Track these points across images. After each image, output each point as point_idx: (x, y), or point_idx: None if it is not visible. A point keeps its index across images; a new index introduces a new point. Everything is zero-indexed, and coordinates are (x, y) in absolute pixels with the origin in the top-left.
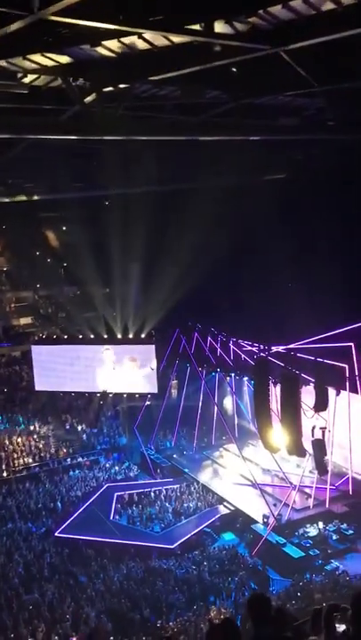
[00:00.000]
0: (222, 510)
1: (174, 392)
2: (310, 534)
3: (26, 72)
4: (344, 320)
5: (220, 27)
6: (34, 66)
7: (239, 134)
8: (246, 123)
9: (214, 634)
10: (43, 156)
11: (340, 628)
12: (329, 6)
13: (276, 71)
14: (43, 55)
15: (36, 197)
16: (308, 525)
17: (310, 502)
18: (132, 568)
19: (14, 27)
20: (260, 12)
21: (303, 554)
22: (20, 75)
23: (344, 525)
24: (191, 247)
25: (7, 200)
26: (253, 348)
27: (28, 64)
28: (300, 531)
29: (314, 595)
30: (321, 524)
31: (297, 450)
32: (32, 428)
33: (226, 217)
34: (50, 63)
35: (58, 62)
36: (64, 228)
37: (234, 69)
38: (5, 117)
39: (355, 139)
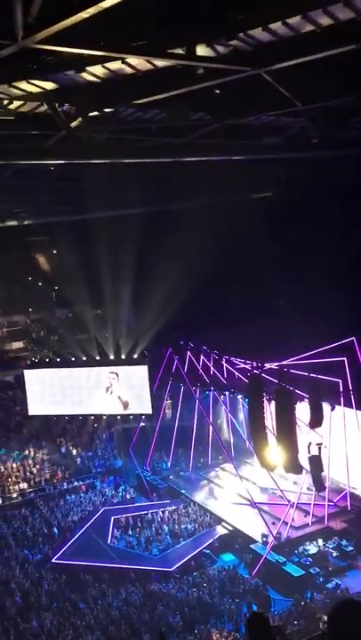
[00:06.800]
0: (221, 531)
1: (169, 412)
2: (310, 552)
3: (11, 99)
4: (336, 335)
5: (202, 50)
6: (19, 92)
7: (224, 154)
8: (231, 143)
9: None
10: (31, 181)
11: None
12: (308, 28)
13: (259, 92)
14: (28, 82)
15: (24, 222)
16: (307, 543)
17: (309, 519)
18: (132, 593)
19: None
20: (241, 34)
21: (303, 572)
22: (5, 101)
23: (344, 542)
24: (181, 266)
25: None
26: (247, 366)
27: (13, 91)
28: (300, 549)
29: (316, 614)
30: (321, 542)
31: (294, 467)
32: (27, 452)
33: (215, 236)
34: (35, 89)
35: (43, 88)
36: (54, 252)
37: (217, 91)
38: None
39: (338, 156)
